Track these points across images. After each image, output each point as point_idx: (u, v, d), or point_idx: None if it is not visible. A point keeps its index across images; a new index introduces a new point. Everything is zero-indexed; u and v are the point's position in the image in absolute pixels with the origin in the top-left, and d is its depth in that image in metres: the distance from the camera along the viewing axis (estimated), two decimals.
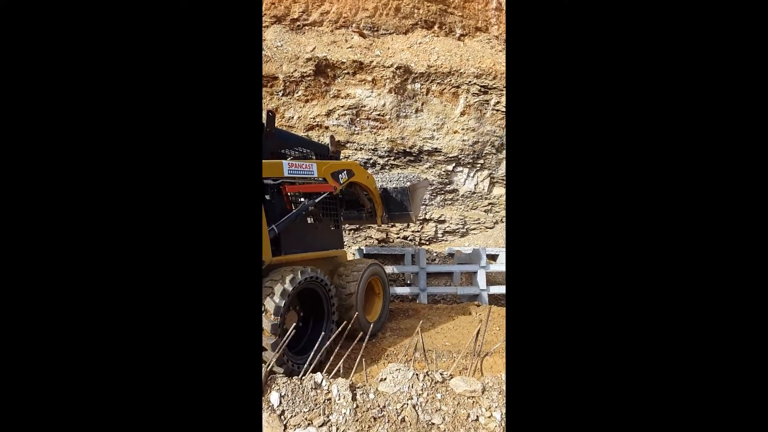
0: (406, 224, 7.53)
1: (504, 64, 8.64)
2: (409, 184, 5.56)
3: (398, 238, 7.84)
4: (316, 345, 3.18)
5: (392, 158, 7.94)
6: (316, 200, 4.31)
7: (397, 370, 2.40)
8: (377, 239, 7.70)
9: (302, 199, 4.25)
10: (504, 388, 2.38)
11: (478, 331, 2.54)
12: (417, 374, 2.38)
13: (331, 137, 5.08)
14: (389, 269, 6.54)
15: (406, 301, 6.61)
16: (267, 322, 2.87)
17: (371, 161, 7.84)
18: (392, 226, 7.56)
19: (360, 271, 4.40)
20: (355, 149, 7.84)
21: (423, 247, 7.84)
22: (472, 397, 2.29)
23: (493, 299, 6.62)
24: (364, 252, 7.05)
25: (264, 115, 3.98)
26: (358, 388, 2.30)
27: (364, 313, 4.35)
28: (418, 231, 7.90)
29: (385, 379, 2.36)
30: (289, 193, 4.03)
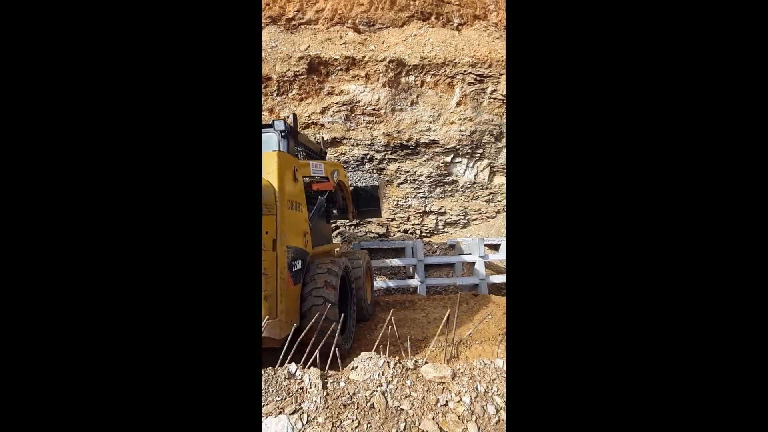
0: (376, 218, 7.64)
1: (500, 51, 8.51)
2: (377, 182, 5.87)
3: (399, 231, 7.86)
4: (348, 323, 3.92)
5: (389, 152, 7.94)
6: (324, 197, 4.59)
7: (368, 358, 2.43)
8: (377, 233, 7.73)
9: (319, 197, 4.58)
10: (475, 373, 2.40)
11: (448, 316, 2.55)
12: (388, 362, 2.41)
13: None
14: (388, 262, 6.58)
15: (406, 293, 6.64)
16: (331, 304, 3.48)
17: (368, 156, 7.86)
18: (363, 222, 7.69)
19: (363, 259, 4.90)
20: (352, 145, 7.87)
21: (424, 239, 7.84)
22: (442, 383, 2.31)
23: (494, 288, 6.59)
24: (363, 246, 7.10)
25: (290, 117, 4.40)
26: (330, 376, 2.35)
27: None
28: (418, 224, 7.90)
29: (357, 367, 2.40)
30: (313, 191, 4.40)
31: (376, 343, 2.66)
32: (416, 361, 2.47)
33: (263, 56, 8.43)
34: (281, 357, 2.47)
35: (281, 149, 3.85)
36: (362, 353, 2.51)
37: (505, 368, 2.46)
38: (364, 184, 5.78)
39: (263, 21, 9.55)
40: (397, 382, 2.31)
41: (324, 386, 2.28)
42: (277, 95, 8.05)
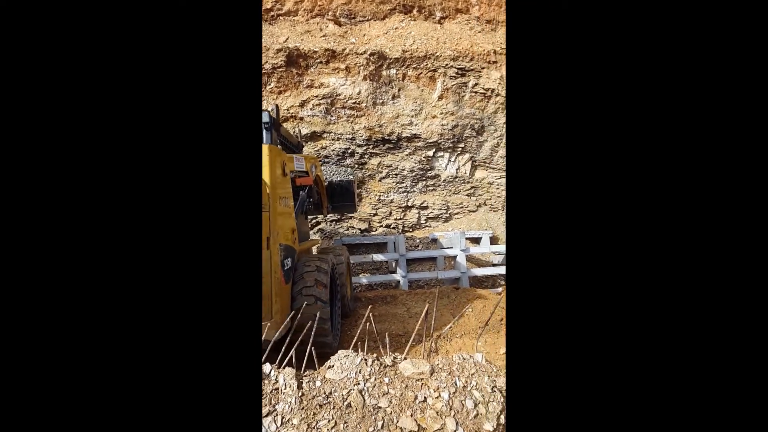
0: (358, 213, 7.60)
1: (482, 45, 8.50)
2: (351, 177, 5.85)
3: (381, 226, 7.81)
4: (335, 320, 3.89)
5: (371, 147, 7.86)
6: (305, 192, 4.48)
7: (345, 356, 2.38)
8: (359, 228, 7.66)
9: (301, 192, 4.44)
10: (453, 368, 2.37)
11: (426, 311, 2.52)
12: (366, 359, 2.36)
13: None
14: (370, 258, 6.53)
15: (389, 288, 6.61)
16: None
17: (349, 151, 7.76)
18: (345, 217, 7.64)
19: (344, 255, 4.88)
20: (333, 139, 7.75)
21: (406, 234, 7.81)
22: (421, 379, 2.28)
23: (475, 281, 6.63)
24: (344, 242, 7.02)
25: (272, 108, 4.19)
26: (305, 376, 2.28)
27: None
28: (401, 219, 7.86)
29: (333, 366, 2.34)
30: (296, 185, 4.24)
31: (353, 341, 2.60)
32: (395, 358, 2.43)
33: None
34: (278, 359, 2.38)
35: (266, 142, 3.70)
36: (339, 351, 2.45)
37: (484, 362, 2.45)
38: (339, 179, 5.70)
39: None
40: (375, 379, 2.27)
41: (299, 386, 2.21)
42: None
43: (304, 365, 2.44)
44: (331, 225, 7.57)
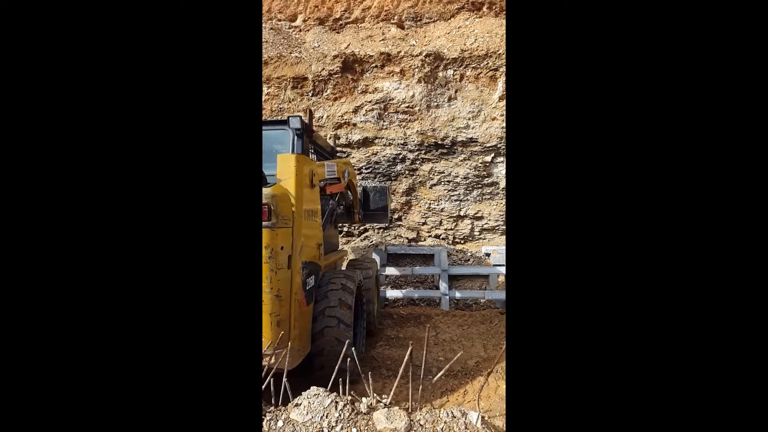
0: (406, 223, 7.15)
1: None
2: (385, 185, 5.44)
3: (430, 236, 7.39)
4: (359, 342, 3.68)
5: (423, 152, 7.50)
6: (336, 200, 4.35)
7: (315, 395, 2.12)
8: (407, 238, 7.35)
9: (331, 201, 4.26)
10: (437, 429, 1.96)
11: (410, 352, 2.13)
12: (336, 401, 2.07)
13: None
14: (407, 271, 6.17)
15: (432, 304, 6.18)
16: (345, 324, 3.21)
17: (400, 156, 7.50)
18: (393, 226, 7.22)
19: (373, 269, 4.55)
20: (384, 145, 7.56)
21: (457, 246, 7.28)
22: None
23: None
24: (389, 251, 6.77)
25: (306, 114, 4.02)
26: (269, 412, 2.08)
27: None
28: (451, 229, 7.35)
29: (300, 404, 2.10)
30: (326, 194, 4.03)
31: (330, 374, 2.34)
32: (371, 404, 2.10)
33: (303, 57, 8.46)
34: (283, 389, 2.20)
35: (295, 150, 3.53)
36: (311, 387, 2.20)
37: (479, 424, 1.99)
38: (374, 185, 5.40)
39: (311, 23, 9.61)
40: (341, 429, 1.96)
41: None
42: (312, 95, 8.01)
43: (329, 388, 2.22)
44: (378, 233, 7.38)
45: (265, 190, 2.77)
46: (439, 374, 2.30)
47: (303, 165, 3.18)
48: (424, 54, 7.61)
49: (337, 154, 5.48)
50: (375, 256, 6.49)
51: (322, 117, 8.04)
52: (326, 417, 2.02)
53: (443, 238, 7.34)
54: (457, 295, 5.88)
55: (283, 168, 3.05)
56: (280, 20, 9.73)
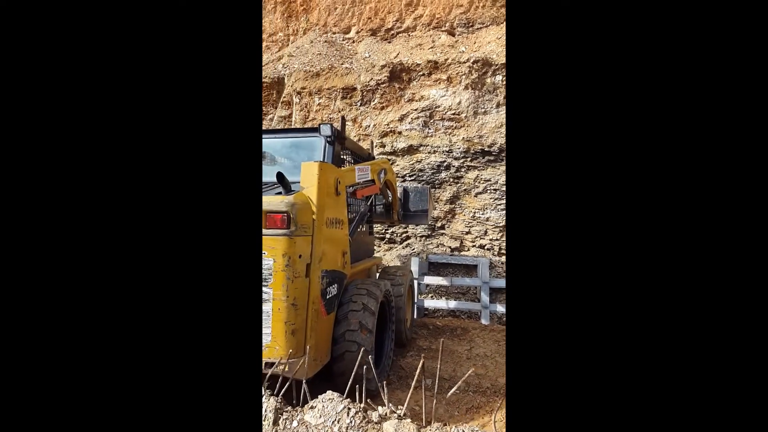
0: (449, 231, 6.91)
1: None
2: (427, 186, 5.23)
3: (473, 246, 7.18)
4: (385, 355, 3.60)
5: (468, 159, 7.34)
6: (368, 203, 4.29)
7: (329, 399, 2.16)
8: (450, 247, 7.21)
9: (363, 205, 4.25)
10: None
11: (422, 365, 2.09)
12: (349, 408, 2.10)
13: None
14: (446, 281, 6.04)
15: (473, 317, 6.00)
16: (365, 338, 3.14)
17: (445, 164, 7.41)
18: (435, 234, 7.02)
19: (405, 279, 4.46)
20: (428, 152, 7.53)
21: (503, 257, 6.99)
22: None
23: None
24: (431, 260, 6.70)
25: (339, 121, 4.06)
26: (285, 411, 2.16)
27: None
28: (497, 239, 7.08)
29: (315, 407, 2.16)
30: (357, 198, 4.03)
31: (347, 383, 2.36)
32: (383, 414, 2.11)
33: (353, 67, 8.73)
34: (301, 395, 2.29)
35: (326, 157, 3.61)
36: (327, 391, 2.26)
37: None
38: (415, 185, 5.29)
39: (363, 34, 9.91)
40: None
41: (276, 422, 2.10)
42: (361, 105, 8.23)
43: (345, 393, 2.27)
44: (420, 241, 7.34)
45: (286, 198, 2.80)
46: (453, 390, 2.23)
47: (326, 173, 3.15)
48: (471, 60, 7.48)
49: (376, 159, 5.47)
50: (414, 265, 6.45)
51: (369, 126, 8.21)
52: (338, 422, 2.06)
53: (488, 249, 7.09)
54: (499, 309, 5.64)
55: (306, 176, 3.06)
56: (334, 33, 10.16)
